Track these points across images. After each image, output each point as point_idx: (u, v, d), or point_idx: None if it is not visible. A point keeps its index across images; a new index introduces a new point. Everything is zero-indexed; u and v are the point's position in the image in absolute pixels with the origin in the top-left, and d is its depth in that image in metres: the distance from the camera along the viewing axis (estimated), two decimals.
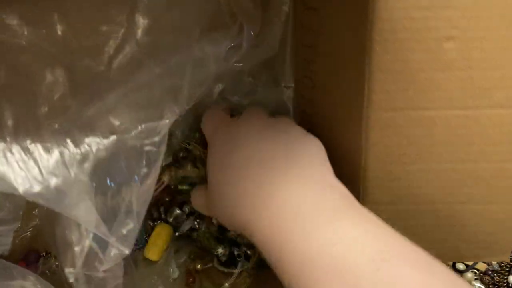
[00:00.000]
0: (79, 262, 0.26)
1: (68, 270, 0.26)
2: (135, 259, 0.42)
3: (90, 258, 0.27)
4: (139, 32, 0.26)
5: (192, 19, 0.29)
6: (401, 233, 0.38)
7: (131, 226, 0.26)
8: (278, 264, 0.27)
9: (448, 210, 0.38)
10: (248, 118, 0.35)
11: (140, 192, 0.26)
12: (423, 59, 0.33)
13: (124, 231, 0.26)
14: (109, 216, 0.26)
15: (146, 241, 0.44)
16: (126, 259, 0.41)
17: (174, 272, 0.37)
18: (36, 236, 0.44)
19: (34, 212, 0.42)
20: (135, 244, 0.44)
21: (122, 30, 0.26)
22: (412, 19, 0.32)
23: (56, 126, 0.24)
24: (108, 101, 0.26)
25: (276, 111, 0.45)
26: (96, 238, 0.26)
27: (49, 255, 0.43)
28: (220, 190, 0.30)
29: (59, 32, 0.25)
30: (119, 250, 0.26)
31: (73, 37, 0.25)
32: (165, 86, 0.27)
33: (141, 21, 0.26)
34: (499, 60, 0.33)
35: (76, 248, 0.26)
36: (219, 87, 0.37)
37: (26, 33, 0.25)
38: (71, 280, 0.27)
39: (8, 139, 0.23)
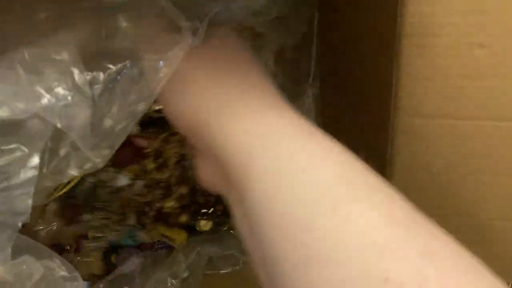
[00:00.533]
0: (49, 165, 0.26)
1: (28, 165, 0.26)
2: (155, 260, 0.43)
3: (62, 163, 0.27)
4: None
5: None
6: None
7: (109, 144, 0.26)
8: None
9: (476, 225, 0.36)
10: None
11: (128, 115, 0.26)
12: (453, 66, 0.32)
13: (102, 146, 0.26)
14: (93, 130, 0.26)
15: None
16: (145, 260, 0.41)
17: (184, 272, 0.38)
18: (61, 229, 0.45)
19: None
20: (152, 247, 0.45)
21: None
22: (443, 24, 0.31)
23: (67, 51, 0.24)
24: (121, 29, 0.26)
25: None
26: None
27: (71, 248, 0.44)
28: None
29: None
30: (93, 162, 0.26)
31: None
32: (186, 14, 0.27)
33: None
34: None
35: (48, 153, 0.26)
36: None
37: None
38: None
39: (18, 66, 0.24)
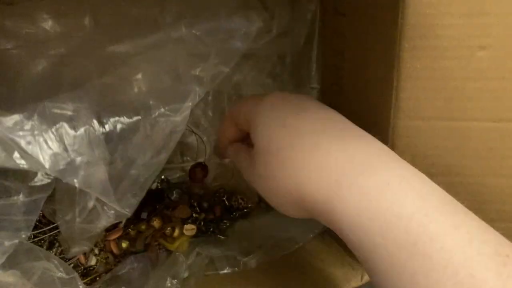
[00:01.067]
0: (80, 217, 0.27)
1: (64, 219, 0.27)
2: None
3: (92, 215, 0.27)
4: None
5: None
6: None
7: (135, 194, 0.27)
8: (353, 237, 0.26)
9: None
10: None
11: (150, 166, 0.27)
12: (454, 68, 0.32)
13: (128, 197, 0.27)
14: (117, 181, 0.27)
15: None
16: (144, 259, 0.41)
17: (184, 272, 0.38)
18: None
19: None
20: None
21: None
22: (444, 26, 0.31)
23: (84, 106, 0.25)
24: (134, 83, 0.27)
25: None
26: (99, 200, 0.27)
27: None
28: (282, 157, 0.29)
29: (86, 22, 0.26)
30: (119, 213, 0.27)
31: (100, 22, 0.26)
32: (191, 60, 0.28)
33: None
34: None
35: (78, 207, 0.27)
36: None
37: (56, 24, 0.26)
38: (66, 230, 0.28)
39: (36, 118, 0.24)
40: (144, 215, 0.42)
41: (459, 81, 0.32)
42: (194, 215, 0.44)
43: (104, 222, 0.27)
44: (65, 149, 0.24)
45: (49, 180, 0.25)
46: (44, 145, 0.23)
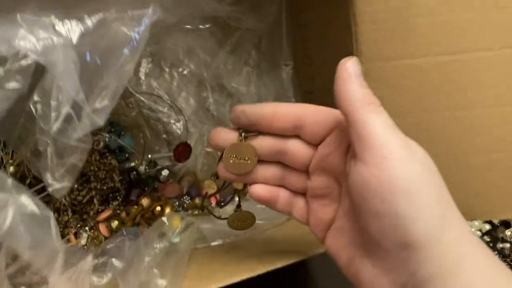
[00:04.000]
0: (55, 126, 0.27)
1: (41, 136, 0.27)
2: None
3: (66, 124, 0.28)
4: None
5: None
6: None
7: (105, 102, 0.28)
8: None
9: (453, 162, 0.37)
10: None
11: (118, 74, 0.28)
12: (404, 6, 0.35)
13: (99, 105, 0.28)
14: (87, 89, 0.28)
15: None
16: (134, 232, 0.42)
17: (175, 237, 0.38)
18: None
19: None
20: None
21: None
22: None
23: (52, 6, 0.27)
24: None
25: (277, 93, 0.48)
26: (73, 107, 0.27)
27: None
28: None
29: None
30: (93, 120, 0.27)
31: None
32: None
33: None
34: (480, 2, 0.34)
35: (53, 114, 0.27)
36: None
37: None
38: (43, 145, 0.28)
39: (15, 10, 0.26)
40: (134, 194, 0.43)
41: (409, 19, 0.35)
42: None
43: (80, 131, 0.28)
44: (30, 31, 0.26)
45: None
46: (20, 31, 0.25)
